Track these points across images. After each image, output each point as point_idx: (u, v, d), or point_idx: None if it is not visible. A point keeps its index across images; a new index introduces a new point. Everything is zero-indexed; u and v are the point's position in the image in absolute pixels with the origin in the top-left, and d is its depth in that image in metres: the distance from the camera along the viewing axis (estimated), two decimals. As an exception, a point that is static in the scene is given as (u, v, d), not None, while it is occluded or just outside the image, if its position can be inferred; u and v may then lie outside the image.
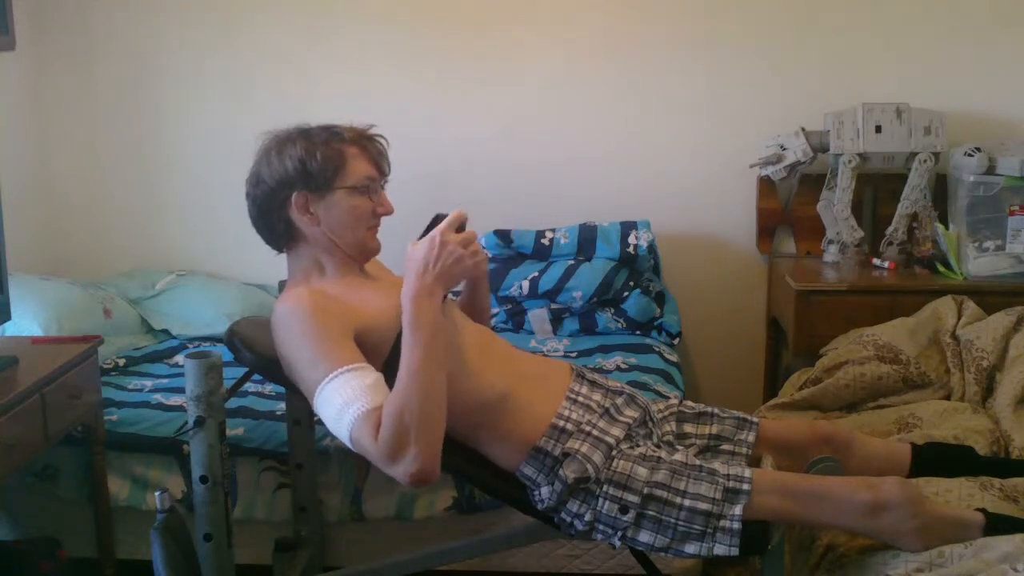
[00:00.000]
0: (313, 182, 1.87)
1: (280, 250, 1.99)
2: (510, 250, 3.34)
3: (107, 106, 3.54)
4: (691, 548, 1.78)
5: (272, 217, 1.92)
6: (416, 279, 1.69)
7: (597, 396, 1.97)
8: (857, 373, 2.69)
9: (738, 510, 1.77)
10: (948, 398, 2.67)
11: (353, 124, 1.94)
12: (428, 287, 1.69)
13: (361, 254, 1.96)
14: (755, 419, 2.07)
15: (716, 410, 2.08)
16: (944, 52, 3.31)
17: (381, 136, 1.96)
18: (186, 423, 1.98)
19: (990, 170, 3.02)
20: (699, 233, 3.49)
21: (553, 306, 3.28)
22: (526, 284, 3.25)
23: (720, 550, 1.77)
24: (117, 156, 3.58)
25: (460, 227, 1.73)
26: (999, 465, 2.20)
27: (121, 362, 3.04)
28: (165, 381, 2.91)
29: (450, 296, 1.92)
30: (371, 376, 1.70)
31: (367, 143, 1.93)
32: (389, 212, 1.95)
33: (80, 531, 2.62)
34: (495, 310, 3.32)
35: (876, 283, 3.07)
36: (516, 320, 3.32)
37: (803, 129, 3.18)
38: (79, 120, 3.55)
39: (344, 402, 1.67)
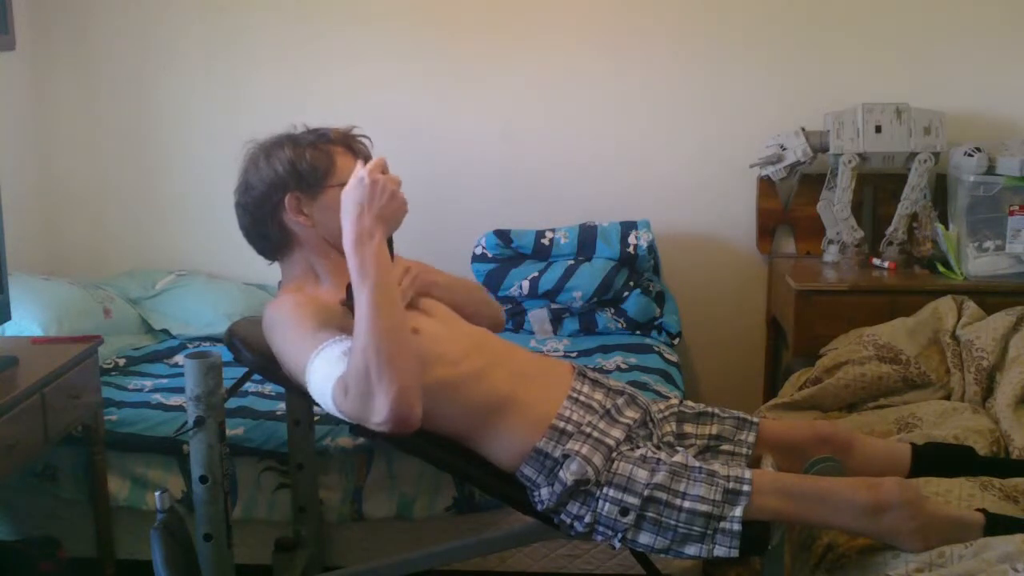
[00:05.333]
0: (304, 182, 1.88)
1: (273, 259, 1.99)
2: (510, 250, 3.34)
3: (107, 106, 3.54)
4: (691, 549, 1.78)
5: (265, 223, 1.92)
6: (354, 224, 1.68)
7: (599, 395, 1.97)
8: (857, 373, 2.69)
9: (738, 511, 1.77)
10: (948, 398, 2.67)
11: (337, 126, 1.95)
12: (368, 229, 1.68)
13: None
14: (755, 419, 2.07)
15: (716, 410, 2.08)
16: (944, 52, 3.31)
17: (365, 136, 1.98)
18: (186, 423, 1.98)
19: (990, 170, 3.02)
20: (699, 233, 3.49)
21: (553, 306, 3.28)
22: (526, 284, 3.25)
23: (720, 551, 1.77)
24: (117, 156, 3.58)
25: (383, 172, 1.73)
26: (999, 465, 2.20)
27: (121, 362, 3.04)
28: (165, 381, 2.91)
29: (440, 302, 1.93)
30: (347, 343, 1.70)
31: (352, 142, 1.95)
32: None
33: (80, 531, 2.62)
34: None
35: (876, 283, 3.07)
36: (516, 320, 3.32)
37: (803, 129, 3.18)
38: (79, 120, 3.55)
39: (325, 376, 1.68)
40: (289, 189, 1.88)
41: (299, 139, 1.92)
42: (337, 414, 1.70)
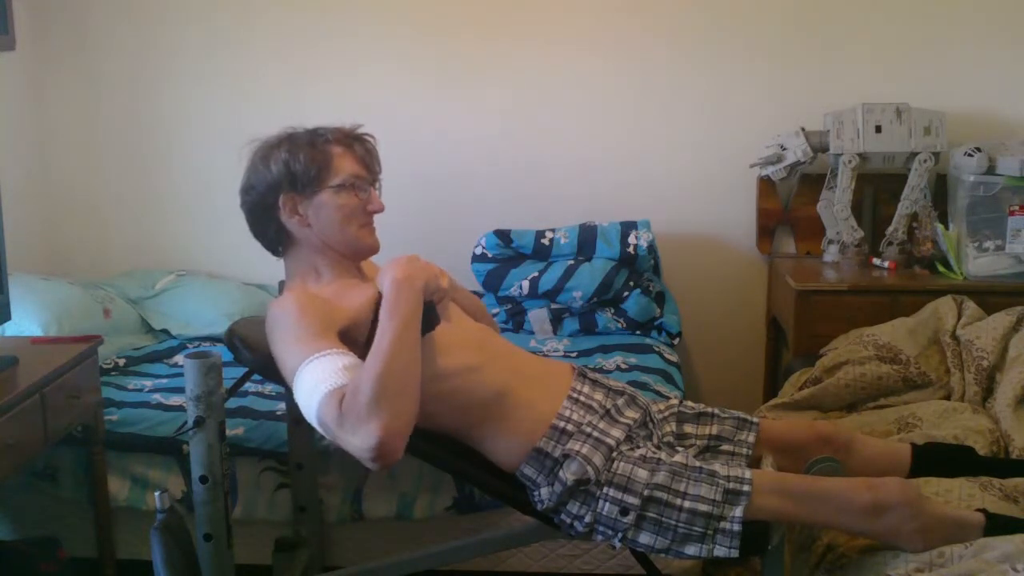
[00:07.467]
0: (298, 183, 1.88)
1: (277, 255, 2.00)
2: (510, 250, 3.34)
3: (107, 106, 3.54)
4: (691, 549, 1.78)
5: (264, 223, 1.93)
6: (402, 267, 1.72)
7: (599, 396, 1.97)
8: (857, 373, 2.69)
9: (738, 512, 1.77)
10: (948, 398, 2.67)
11: (341, 125, 1.94)
12: (411, 277, 1.71)
13: (355, 252, 1.95)
14: (755, 419, 2.07)
15: (716, 410, 2.08)
16: (944, 52, 3.31)
17: (369, 135, 1.96)
18: (186, 423, 1.98)
19: (990, 170, 3.02)
20: (699, 233, 3.49)
21: (553, 306, 3.28)
22: (526, 284, 3.25)
23: (720, 551, 1.77)
24: (117, 156, 3.58)
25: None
26: (999, 465, 2.20)
27: (121, 362, 3.04)
28: (165, 381, 2.91)
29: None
30: (347, 358, 1.68)
31: (352, 142, 1.93)
32: (379, 209, 1.94)
33: (80, 531, 2.62)
34: (495, 310, 3.32)
35: (876, 283, 3.07)
36: (516, 320, 3.32)
37: (803, 129, 3.18)
38: (79, 120, 3.55)
39: (316, 381, 1.65)
40: (283, 190, 1.89)
41: (296, 139, 1.91)
42: (315, 422, 1.66)
